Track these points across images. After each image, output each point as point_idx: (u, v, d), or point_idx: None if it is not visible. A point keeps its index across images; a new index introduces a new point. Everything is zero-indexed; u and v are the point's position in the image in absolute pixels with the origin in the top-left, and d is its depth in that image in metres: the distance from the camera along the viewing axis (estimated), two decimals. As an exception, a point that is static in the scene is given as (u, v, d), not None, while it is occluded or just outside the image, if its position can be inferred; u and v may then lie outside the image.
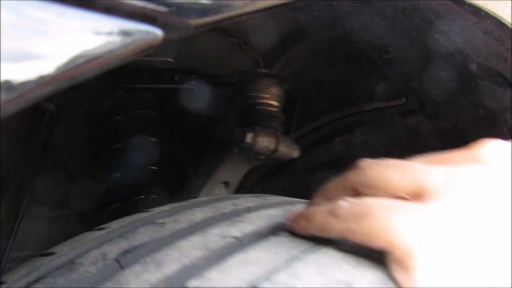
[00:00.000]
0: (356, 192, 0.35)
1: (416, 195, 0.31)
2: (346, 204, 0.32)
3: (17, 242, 0.74)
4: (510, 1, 0.54)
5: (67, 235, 0.44)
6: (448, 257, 0.27)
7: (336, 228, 0.32)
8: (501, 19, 0.53)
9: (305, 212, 0.36)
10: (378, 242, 0.29)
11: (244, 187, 1.03)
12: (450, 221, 0.28)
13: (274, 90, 0.80)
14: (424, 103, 0.83)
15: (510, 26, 0.54)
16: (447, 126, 0.80)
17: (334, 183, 0.37)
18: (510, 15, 0.53)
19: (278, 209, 0.44)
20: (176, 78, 0.75)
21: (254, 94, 0.80)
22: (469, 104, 0.71)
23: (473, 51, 0.61)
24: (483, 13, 0.51)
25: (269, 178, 1.05)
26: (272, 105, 0.80)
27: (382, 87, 0.87)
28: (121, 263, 0.34)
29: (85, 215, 0.84)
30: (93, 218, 0.80)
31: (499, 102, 0.67)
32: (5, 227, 0.71)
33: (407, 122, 0.86)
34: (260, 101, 0.80)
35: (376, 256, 0.31)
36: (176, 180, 0.89)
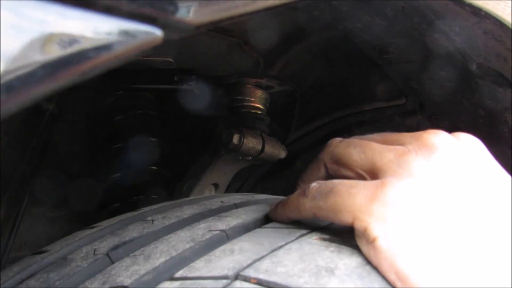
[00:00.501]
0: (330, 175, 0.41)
1: (372, 173, 0.36)
2: (315, 184, 0.36)
3: (17, 242, 0.74)
4: (510, 1, 0.54)
5: (67, 235, 0.44)
6: (405, 224, 0.30)
7: (306, 206, 0.36)
8: (501, 19, 0.53)
9: (283, 199, 0.40)
10: (342, 216, 0.33)
11: (245, 188, 1.03)
12: (401, 194, 0.32)
13: (259, 93, 0.81)
14: (424, 103, 0.83)
15: (510, 26, 0.54)
16: (447, 126, 0.80)
17: (310, 167, 0.43)
18: (510, 15, 0.53)
19: (264, 205, 0.46)
20: (176, 78, 0.75)
21: (240, 97, 0.81)
22: (469, 104, 0.71)
23: (473, 51, 0.61)
24: (483, 13, 0.51)
25: (269, 178, 1.06)
26: (257, 108, 0.81)
27: (382, 87, 0.87)
28: (111, 257, 0.36)
29: (85, 215, 0.84)
30: (93, 218, 0.80)
31: (499, 102, 0.67)
32: (5, 227, 0.71)
33: (407, 122, 0.86)
34: (246, 104, 0.81)
35: (353, 244, 0.33)
36: (176, 180, 0.89)
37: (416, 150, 0.34)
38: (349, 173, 0.38)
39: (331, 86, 0.93)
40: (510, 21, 0.53)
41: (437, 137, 0.35)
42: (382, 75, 0.80)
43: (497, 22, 0.53)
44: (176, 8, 0.24)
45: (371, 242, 0.31)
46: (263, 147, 0.80)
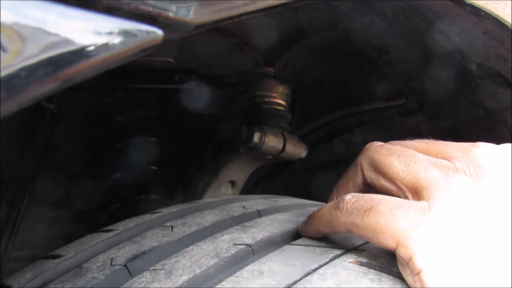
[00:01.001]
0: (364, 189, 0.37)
1: (415, 190, 0.32)
2: (350, 197, 0.33)
3: (17, 242, 0.74)
4: (510, 1, 0.54)
5: (67, 235, 0.44)
6: (453, 256, 0.28)
7: (340, 221, 0.33)
8: (501, 19, 0.53)
9: (314, 211, 0.37)
10: (383, 239, 0.30)
11: (244, 187, 1.03)
12: (450, 223, 0.29)
13: (281, 89, 0.79)
14: (424, 103, 0.83)
15: (510, 26, 0.54)
16: (447, 126, 0.80)
17: (347, 173, 0.39)
18: (510, 15, 0.53)
19: (288, 213, 0.44)
20: (176, 78, 0.75)
21: (260, 93, 0.79)
22: (469, 104, 0.71)
23: (473, 51, 0.61)
24: (483, 13, 0.51)
25: (269, 178, 1.05)
26: (279, 104, 0.79)
27: (382, 87, 0.87)
28: (130, 269, 0.33)
29: (85, 215, 0.84)
30: (93, 218, 0.80)
31: (499, 102, 0.67)
32: (6, 227, 0.71)
33: (407, 122, 0.86)
34: (267, 100, 0.79)
35: (393, 270, 0.31)
36: (176, 180, 0.89)
37: (465, 170, 0.31)
38: (390, 185, 0.35)
39: (331, 86, 0.93)
40: (510, 21, 0.53)
41: (488, 155, 0.32)
42: (382, 75, 0.80)
43: (497, 23, 0.53)
44: (176, 8, 0.24)
45: (416, 273, 0.29)
46: (284, 146, 0.77)
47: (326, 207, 0.35)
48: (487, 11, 0.51)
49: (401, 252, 0.29)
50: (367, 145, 0.38)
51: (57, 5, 0.21)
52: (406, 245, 0.29)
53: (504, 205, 0.30)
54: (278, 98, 0.79)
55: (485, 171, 0.31)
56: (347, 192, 0.37)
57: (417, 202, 0.31)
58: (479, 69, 0.64)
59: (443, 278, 0.28)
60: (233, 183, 0.86)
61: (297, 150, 0.81)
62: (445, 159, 0.33)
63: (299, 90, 0.88)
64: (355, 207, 0.32)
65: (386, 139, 0.39)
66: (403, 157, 0.34)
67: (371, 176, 0.37)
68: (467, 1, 0.50)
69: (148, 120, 0.82)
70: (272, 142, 0.76)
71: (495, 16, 0.52)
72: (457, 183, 0.31)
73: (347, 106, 0.94)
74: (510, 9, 0.53)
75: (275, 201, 0.49)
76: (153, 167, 0.80)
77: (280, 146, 0.77)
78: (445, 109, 0.79)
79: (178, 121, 0.89)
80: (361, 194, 0.33)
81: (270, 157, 0.81)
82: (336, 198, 0.39)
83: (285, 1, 0.33)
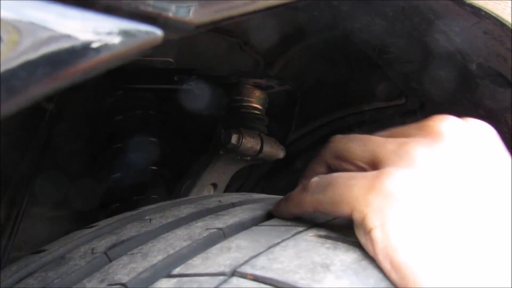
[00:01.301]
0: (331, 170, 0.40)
1: (373, 165, 0.35)
2: (315, 178, 0.35)
3: (17, 242, 0.74)
4: (510, 1, 0.54)
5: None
6: (402, 215, 0.30)
7: (306, 201, 0.35)
8: (501, 19, 0.53)
9: (286, 195, 0.39)
10: (341, 208, 0.32)
11: (244, 187, 1.03)
12: (399, 184, 0.31)
13: (258, 93, 0.82)
14: (424, 103, 0.83)
15: (510, 26, 0.54)
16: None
17: (312, 163, 0.43)
18: (510, 15, 0.53)
19: (261, 203, 0.46)
20: (176, 78, 0.75)
21: (239, 98, 0.81)
22: (469, 104, 0.71)
23: (473, 51, 0.61)
24: (483, 13, 0.51)
25: (269, 179, 1.05)
26: (255, 108, 0.82)
27: (382, 87, 0.87)
28: (109, 256, 0.36)
29: (85, 215, 0.84)
30: (93, 218, 0.80)
31: (499, 102, 0.67)
32: (5, 227, 0.71)
33: (407, 122, 0.86)
34: (245, 104, 0.81)
35: (348, 239, 0.33)
36: (176, 180, 0.89)
37: (419, 139, 0.33)
38: (350, 167, 0.37)
39: (331, 86, 0.93)
40: (510, 21, 0.53)
41: (443, 124, 0.34)
42: (382, 75, 0.80)
43: (497, 22, 0.53)
44: (176, 8, 0.24)
45: (367, 232, 0.30)
46: (261, 147, 0.80)
47: (295, 190, 0.38)
48: (487, 11, 0.51)
49: (355, 216, 0.31)
50: (331, 138, 0.41)
51: (56, 5, 0.21)
52: (358, 208, 0.31)
53: (455, 166, 0.31)
54: (255, 102, 0.82)
55: (439, 137, 0.33)
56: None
57: (371, 172, 0.33)
58: (479, 69, 0.64)
59: (392, 233, 0.29)
60: (215, 185, 0.88)
61: (274, 151, 0.83)
62: (405, 137, 0.35)
63: (299, 90, 0.88)
64: (318, 185, 0.35)
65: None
66: (360, 140, 0.37)
67: (335, 163, 0.39)
68: (467, 1, 0.50)
69: (148, 120, 0.82)
70: (250, 143, 0.78)
71: (495, 16, 0.52)
72: (410, 150, 0.32)
73: (347, 106, 0.94)
74: (510, 9, 0.53)
75: (250, 196, 0.52)
76: (153, 167, 0.80)
77: (258, 147, 0.80)
78: (445, 109, 0.79)
79: (178, 121, 0.89)
80: (324, 175, 0.36)
81: (249, 158, 0.83)
82: None
83: (285, 1, 0.33)
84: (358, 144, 0.37)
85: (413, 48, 0.67)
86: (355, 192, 0.32)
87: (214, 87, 0.79)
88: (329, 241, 0.33)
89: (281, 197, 0.40)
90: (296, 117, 0.94)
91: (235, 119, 0.81)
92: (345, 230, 0.35)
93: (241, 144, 0.77)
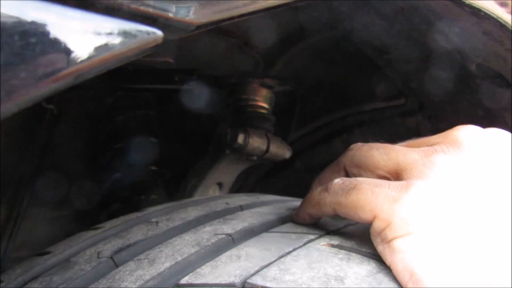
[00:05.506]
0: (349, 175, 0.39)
1: (396, 174, 0.34)
2: (338, 180, 0.35)
3: (17, 242, 0.74)
4: (510, 1, 0.54)
5: (67, 235, 0.44)
6: (428, 230, 0.29)
7: (326, 201, 0.35)
8: (500, 20, 0.53)
9: (305, 197, 0.39)
10: (362, 213, 0.32)
11: (244, 187, 1.03)
12: (427, 197, 0.30)
13: (264, 92, 0.81)
14: (424, 103, 0.83)
15: (509, 26, 0.54)
16: (446, 126, 0.80)
17: (329, 169, 0.43)
18: (510, 15, 0.53)
19: (269, 206, 0.46)
20: (176, 78, 0.75)
21: (245, 97, 0.80)
22: (469, 104, 0.71)
23: (472, 51, 0.61)
24: (482, 13, 0.52)
25: (269, 179, 1.06)
26: (262, 107, 0.81)
27: (382, 87, 0.87)
28: (115, 261, 0.35)
29: (85, 215, 0.84)
30: (93, 218, 0.80)
31: (499, 102, 0.67)
32: (6, 227, 0.71)
33: (407, 122, 0.86)
34: (251, 103, 0.80)
35: (362, 250, 0.33)
36: (176, 180, 0.89)
37: (444, 149, 0.33)
38: (371, 176, 0.37)
39: (331, 86, 0.93)
40: (509, 21, 0.53)
41: (466, 133, 0.34)
42: (382, 75, 0.80)
43: (497, 23, 0.53)
44: (176, 9, 0.24)
45: (388, 241, 0.30)
46: (268, 147, 0.79)
47: (315, 191, 0.37)
48: (487, 12, 0.51)
49: (377, 224, 0.31)
50: (351, 146, 0.40)
51: (57, 6, 0.21)
52: (382, 217, 0.31)
53: (482, 176, 0.31)
54: (262, 101, 0.81)
55: (465, 147, 0.33)
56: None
57: (397, 181, 0.33)
58: (479, 69, 0.64)
59: (415, 246, 0.29)
60: (220, 184, 0.87)
61: (281, 150, 0.82)
62: (427, 147, 0.34)
63: (299, 90, 0.88)
64: (341, 188, 0.34)
65: (386, 139, 0.39)
66: (382, 149, 0.36)
67: (354, 172, 0.39)
68: (467, 2, 0.50)
69: (148, 120, 0.82)
70: (256, 143, 0.78)
71: (494, 16, 0.52)
72: (435, 161, 0.32)
73: (347, 106, 0.94)
74: (510, 9, 0.53)
75: (258, 197, 0.51)
76: (153, 167, 0.80)
77: (264, 147, 0.79)
78: (445, 109, 0.79)
79: (178, 121, 0.89)
80: (348, 178, 0.35)
81: (255, 158, 0.82)
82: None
83: (285, 1, 0.33)
84: (380, 153, 0.36)
85: (412, 48, 0.67)
86: (380, 200, 0.31)
87: (214, 87, 0.79)
88: (342, 251, 0.33)
89: (290, 198, 0.40)
90: (296, 117, 0.94)
91: (241, 118, 0.80)
92: (357, 239, 0.34)
93: (247, 144, 0.76)
